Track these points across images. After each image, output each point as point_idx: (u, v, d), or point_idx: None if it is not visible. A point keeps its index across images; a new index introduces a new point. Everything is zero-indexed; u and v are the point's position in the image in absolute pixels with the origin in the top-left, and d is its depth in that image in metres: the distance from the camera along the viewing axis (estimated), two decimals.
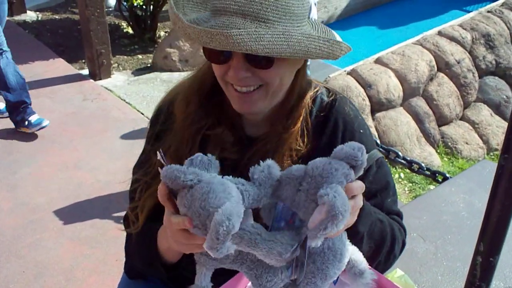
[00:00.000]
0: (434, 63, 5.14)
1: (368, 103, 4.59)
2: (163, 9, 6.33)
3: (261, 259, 0.89)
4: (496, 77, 5.60)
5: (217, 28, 0.93)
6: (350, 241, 1.02)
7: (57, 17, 7.16)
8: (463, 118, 5.26)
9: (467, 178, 2.69)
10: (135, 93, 5.03)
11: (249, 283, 1.07)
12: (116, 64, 5.74)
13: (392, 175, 1.54)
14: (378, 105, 4.68)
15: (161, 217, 0.96)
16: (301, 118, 1.15)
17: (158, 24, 6.55)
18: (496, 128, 5.19)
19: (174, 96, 1.22)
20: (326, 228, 0.80)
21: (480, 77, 5.46)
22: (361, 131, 1.21)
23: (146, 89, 5.15)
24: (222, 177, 0.89)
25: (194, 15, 1.04)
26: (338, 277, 1.02)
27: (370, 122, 4.60)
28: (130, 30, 6.60)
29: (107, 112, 4.61)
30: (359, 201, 0.92)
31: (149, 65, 5.81)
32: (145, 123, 4.17)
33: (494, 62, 5.58)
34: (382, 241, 1.15)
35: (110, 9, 7.29)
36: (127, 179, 1.29)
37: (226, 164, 1.14)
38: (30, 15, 6.94)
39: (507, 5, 6.05)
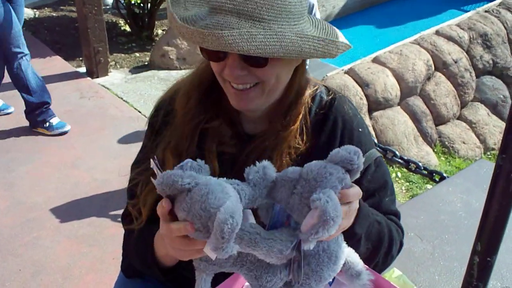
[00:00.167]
0: (431, 62, 5.15)
1: (365, 102, 4.60)
2: (160, 7, 6.33)
3: (260, 260, 0.89)
4: (493, 77, 5.61)
5: (211, 27, 0.94)
6: (347, 243, 1.02)
7: (54, 14, 7.14)
8: (460, 117, 5.26)
9: (464, 177, 2.69)
10: (132, 91, 5.02)
11: (246, 283, 1.07)
12: (114, 62, 5.73)
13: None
14: (375, 104, 4.68)
15: None
16: (300, 116, 1.15)
17: (156, 22, 6.54)
18: (493, 127, 5.20)
19: (174, 93, 1.22)
20: (318, 233, 0.80)
21: (477, 76, 5.47)
22: (360, 129, 1.21)
23: (144, 87, 5.14)
24: (218, 179, 0.89)
25: (195, 10, 1.04)
26: (334, 278, 1.02)
27: (367, 121, 4.59)
28: (127, 28, 6.59)
29: (104, 110, 4.60)
30: (355, 205, 0.92)
31: (146, 63, 5.80)
32: (142, 121, 4.18)
33: (491, 61, 5.59)
34: (379, 243, 1.15)
35: (108, 6, 7.28)
36: (127, 173, 1.28)
37: (225, 159, 1.14)
38: (28, 12, 6.91)
39: (505, 5, 6.07)
